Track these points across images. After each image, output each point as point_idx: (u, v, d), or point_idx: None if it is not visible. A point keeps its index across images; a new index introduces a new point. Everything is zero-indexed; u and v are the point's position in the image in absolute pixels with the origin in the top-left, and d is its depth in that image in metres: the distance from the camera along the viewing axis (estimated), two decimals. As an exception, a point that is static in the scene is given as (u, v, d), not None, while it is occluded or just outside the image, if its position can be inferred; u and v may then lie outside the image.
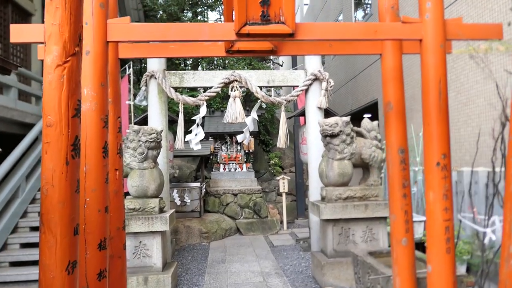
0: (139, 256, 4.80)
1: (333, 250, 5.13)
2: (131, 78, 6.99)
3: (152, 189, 4.91)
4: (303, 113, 7.46)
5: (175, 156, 9.05)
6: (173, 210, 5.55)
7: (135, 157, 4.88)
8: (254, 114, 6.53)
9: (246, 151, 10.72)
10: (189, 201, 8.59)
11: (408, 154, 2.92)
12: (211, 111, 11.30)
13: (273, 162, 12.28)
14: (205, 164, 11.66)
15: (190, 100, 5.96)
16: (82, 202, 2.15)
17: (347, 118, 5.22)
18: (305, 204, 10.18)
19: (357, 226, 5.18)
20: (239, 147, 10.93)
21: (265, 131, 12.95)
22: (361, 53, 3.13)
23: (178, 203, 8.55)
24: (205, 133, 10.87)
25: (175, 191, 8.57)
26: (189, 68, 13.60)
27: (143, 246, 4.81)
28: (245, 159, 10.79)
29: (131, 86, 6.64)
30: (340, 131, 5.13)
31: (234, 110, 6.00)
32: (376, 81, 10.76)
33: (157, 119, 6.02)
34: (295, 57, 11.66)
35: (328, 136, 5.19)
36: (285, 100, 6.22)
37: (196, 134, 6.51)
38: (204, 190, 9.01)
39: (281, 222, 9.81)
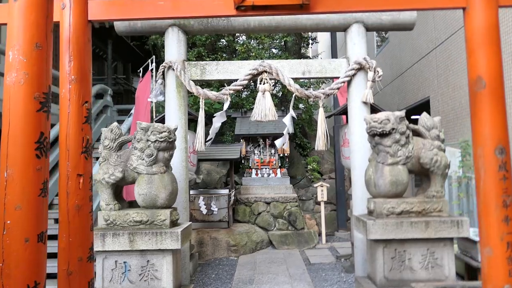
0: (146, 279, 4.04)
1: (384, 278, 4.12)
2: (153, 73, 6.35)
3: (162, 198, 4.16)
4: (344, 111, 6.51)
5: (202, 160, 8.34)
6: (189, 223, 4.77)
7: (143, 159, 4.14)
8: (292, 112, 5.68)
9: (281, 155, 9.83)
10: (216, 209, 7.83)
11: (510, 155, 1.94)
12: (243, 112, 10.53)
13: (311, 167, 11.31)
14: (235, 169, 10.91)
15: (212, 94, 5.18)
16: None
17: (401, 113, 4.22)
18: (346, 215, 9.13)
19: (415, 249, 4.15)
20: (273, 151, 10.06)
21: (301, 134, 12.01)
22: (433, 7, 2.19)
23: (204, 211, 7.81)
24: (236, 135, 10.13)
25: (201, 198, 7.84)
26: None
27: (151, 266, 4.06)
28: (279, 164, 9.91)
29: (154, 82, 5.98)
30: (393, 128, 4.14)
31: (263, 107, 5.17)
32: (428, 77, 9.55)
33: (175, 116, 5.29)
34: (335, 47, 10.63)
35: (377, 136, 4.22)
36: (323, 94, 5.30)
37: (210, 139, 5.78)
38: (233, 197, 8.22)
39: (319, 234, 8.82)
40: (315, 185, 8.60)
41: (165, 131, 4.15)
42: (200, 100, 5.25)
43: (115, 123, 4.46)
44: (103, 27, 11.75)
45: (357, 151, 5.28)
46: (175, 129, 4.37)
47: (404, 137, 4.20)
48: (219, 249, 7.35)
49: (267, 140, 9.90)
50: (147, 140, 4.12)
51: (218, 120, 5.48)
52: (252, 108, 11.14)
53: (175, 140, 4.38)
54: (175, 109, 5.31)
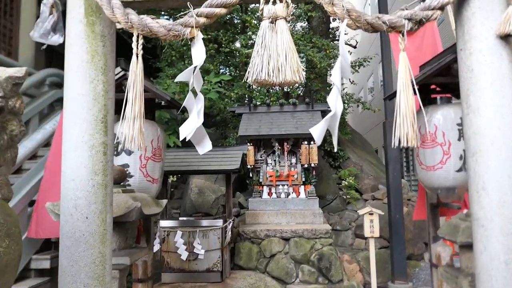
0: None
1: None
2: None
3: None
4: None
5: (193, 172, 5.60)
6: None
7: None
8: (345, 57, 2.71)
9: (306, 166, 6.96)
10: (202, 252, 5.01)
11: None
12: (252, 106, 7.71)
13: (346, 183, 8.41)
14: (241, 185, 8.08)
15: (159, 26, 2.41)
16: None
17: None
18: (404, 257, 6.16)
19: None
20: (294, 160, 7.21)
21: (331, 138, 9.13)
22: None
23: (184, 256, 5.00)
24: (241, 137, 7.35)
25: (179, 234, 5.05)
26: None
27: None
28: (303, 179, 7.04)
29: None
30: None
31: (273, 49, 2.36)
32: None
33: (81, 77, 2.50)
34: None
35: None
36: (408, 20, 2.44)
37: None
38: (230, 231, 5.38)
39: (364, 286, 5.93)
40: (361, 211, 5.68)
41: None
42: (136, 42, 2.45)
43: None
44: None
45: (490, 151, 2.40)
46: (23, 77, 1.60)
47: None
48: (204, 322, 4.52)
49: (285, 144, 7.07)
50: None
51: (183, 79, 2.66)
52: (263, 101, 8.35)
53: (18, 108, 1.61)
54: (81, 62, 2.52)
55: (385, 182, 9.25)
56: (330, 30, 10.78)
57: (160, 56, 10.08)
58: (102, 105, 2.57)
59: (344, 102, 9.07)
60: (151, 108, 4.36)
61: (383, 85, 6.41)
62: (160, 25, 2.47)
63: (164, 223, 5.17)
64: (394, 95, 4.51)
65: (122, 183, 3.45)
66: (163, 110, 7.39)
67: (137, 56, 2.49)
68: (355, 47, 10.91)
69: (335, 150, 2.88)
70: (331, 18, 11.00)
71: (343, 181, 8.51)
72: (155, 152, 3.90)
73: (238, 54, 9.43)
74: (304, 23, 10.52)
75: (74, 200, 2.42)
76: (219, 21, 9.76)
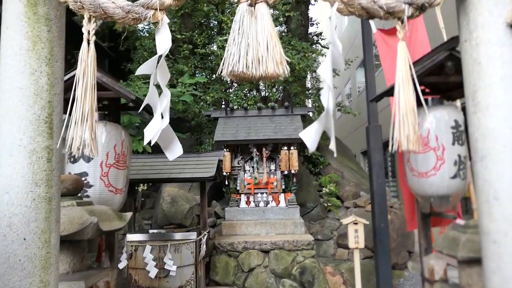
0: None
1: None
2: None
3: None
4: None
5: (163, 180, 5.17)
6: None
7: None
8: (328, 68, 2.34)
9: (285, 173, 6.63)
10: (174, 268, 4.58)
11: None
12: (229, 110, 7.33)
13: (327, 190, 8.12)
14: (218, 194, 7.68)
15: (115, 7, 2.02)
16: None
17: None
18: (389, 268, 5.88)
19: None
20: (273, 166, 6.87)
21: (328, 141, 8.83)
22: None
23: (153, 272, 4.55)
24: (217, 142, 6.95)
25: (148, 249, 4.60)
26: None
27: None
28: (283, 186, 6.70)
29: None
30: None
31: (252, 37, 2.00)
32: None
33: (22, 67, 2.07)
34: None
35: None
36: (407, 4, 2.13)
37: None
38: (205, 243, 4.96)
39: (349, 299, 5.62)
40: (345, 221, 5.36)
41: None
42: (87, 26, 2.05)
43: None
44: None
45: (502, 155, 2.10)
46: None
47: None
48: None
49: (264, 150, 6.73)
50: None
51: (145, 71, 2.27)
52: (241, 104, 8.00)
53: None
54: (20, 49, 2.10)
55: (366, 189, 9.03)
56: (308, 33, 10.53)
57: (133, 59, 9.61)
58: (46, 101, 2.14)
59: (323, 108, 8.80)
60: (115, 110, 3.93)
61: (366, 87, 6.16)
62: (116, 6, 2.09)
63: (131, 237, 4.71)
64: (381, 96, 4.23)
65: (78, 195, 3.01)
66: (134, 114, 6.93)
67: (89, 43, 2.09)
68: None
69: (335, 155, 2.54)
70: (309, 23, 10.80)
71: (324, 188, 8.23)
72: (118, 158, 3.47)
73: (214, 57, 9.06)
74: (282, 27, 10.24)
75: (8, 217, 1.98)
76: (194, 21, 9.38)
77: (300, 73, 8.29)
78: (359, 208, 7.75)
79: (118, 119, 3.98)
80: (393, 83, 2.53)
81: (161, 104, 2.20)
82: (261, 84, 9.14)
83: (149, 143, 2.30)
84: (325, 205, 8.03)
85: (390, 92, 3.96)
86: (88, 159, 3.36)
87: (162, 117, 2.24)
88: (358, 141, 15.82)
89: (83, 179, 3.36)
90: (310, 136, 2.36)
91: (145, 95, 6.40)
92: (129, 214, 3.30)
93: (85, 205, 2.89)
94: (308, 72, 8.43)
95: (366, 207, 7.65)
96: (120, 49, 9.91)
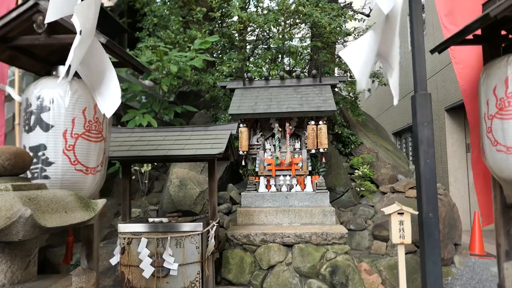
0: None
1: None
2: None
3: None
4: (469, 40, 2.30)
5: (159, 159, 4.30)
6: None
7: None
8: None
9: (312, 151, 5.65)
10: (175, 266, 3.72)
11: None
12: (247, 81, 6.34)
13: (360, 172, 7.10)
14: (232, 175, 6.79)
15: None
16: None
17: None
18: (439, 265, 4.86)
19: None
20: (297, 144, 5.90)
21: (343, 119, 7.79)
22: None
23: (149, 271, 3.71)
24: (233, 115, 6.00)
25: (144, 242, 3.75)
26: None
27: None
28: (309, 168, 5.73)
29: None
30: None
31: None
32: None
33: None
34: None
35: None
36: None
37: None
38: (214, 236, 4.07)
39: (389, 303, 4.68)
40: (387, 210, 4.36)
41: None
42: None
43: None
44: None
45: None
46: None
47: None
48: None
49: (287, 125, 5.75)
50: None
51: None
52: (261, 74, 6.98)
53: None
54: None
55: (405, 172, 7.93)
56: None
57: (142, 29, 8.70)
58: None
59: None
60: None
61: (412, 45, 5.03)
62: None
63: (124, 227, 3.88)
64: (451, 42, 3.11)
65: (21, 175, 2.14)
66: (131, 82, 6.06)
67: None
68: (368, 15, 9.50)
69: (395, 102, 1.58)
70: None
71: (356, 171, 7.20)
72: (90, 127, 2.58)
73: (231, 22, 8.05)
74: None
75: None
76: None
77: (329, 38, 7.19)
78: (398, 193, 6.69)
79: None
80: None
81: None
82: (285, 55, 8.09)
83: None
84: (358, 189, 7.01)
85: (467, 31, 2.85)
86: (47, 126, 2.48)
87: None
88: (388, 122, 14.59)
89: (40, 153, 2.49)
90: (357, 65, 1.48)
91: (148, 62, 5.42)
92: (101, 202, 2.42)
93: (28, 190, 2.03)
94: (339, 37, 7.31)
95: (407, 193, 6.59)
96: (138, 25, 9.04)
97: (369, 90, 18.30)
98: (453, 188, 10.14)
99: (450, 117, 10.04)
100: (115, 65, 3.19)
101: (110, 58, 3.17)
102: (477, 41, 3.15)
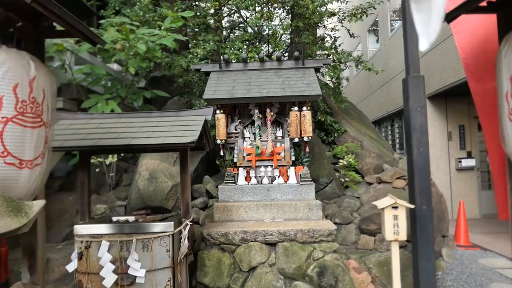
0: None
1: None
2: None
3: None
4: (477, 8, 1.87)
5: (133, 149, 3.75)
6: None
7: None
8: None
9: (296, 140, 5.20)
10: (141, 273, 3.21)
11: None
12: (224, 63, 5.81)
13: (344, 162, 6.71)
14: (209, 166, 6.30)
15: None
16: None
17: None
18: (433, 262, 4.53)
19: None
20: (279, 132, 5.43)
21: (325, 106, 7.36)
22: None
23: (111, 280, 3.19)
24: (208, 100, 5.46)
25: (105, 246, 3.22)
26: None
27: None
28: (292, 157, 5.28)
29: None
30: None
31: None
32: None
33: None
34: None
35: None
36: None
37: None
38: (187, 236, 3.57)
39: (379, 302, 4.32)
40: (380, 204, 3.96)
41: None
42: None
43: None
44: None
45: None
46: None
47: None
48: None
49: (268, 111, 5.27)
50: None
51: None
52: (238, 56, 6.38)
53: None
54: None
55: (390, 161, 7.59)
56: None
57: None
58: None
59: (340, 61, 7.19)
60: (33, 35, 2.45)
61: (403, 18, 4.59)
62: None
63: (81, 228, 3.33)
64: (456, 12, 2.70)
65: None
66: (94, 64, 5.43)
67: None
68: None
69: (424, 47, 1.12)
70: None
71: (340, 160, 6.81)
72: (24, 108, 2.03)
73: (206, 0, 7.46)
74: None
75: None
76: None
77: (311, 18, 6.71)
78: (385, 184, 6.35)
79: (40, 52, 2.52)
80: None
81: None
82: (264, 37, 7.58)
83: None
84: (342, 180, 6.64)
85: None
86: (-36, 108, 1.91)
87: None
88: (368, 110, 14.34)
89: (-45, 142, 1.93)
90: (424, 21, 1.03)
91: (113, 41, 4.82)
92: (37, 204, 1.89)
93: None
94: (324, 18, 6.84)
95: (394, 183, 6.26)
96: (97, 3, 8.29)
97: (347, 79, 18.00)
98: (435, 177, 9.94)
99: (432, 104, 9.79)
100: (61, 33, 2.62)
101: (55, 26, 2.60)
102: (492, 9, 2.76)
